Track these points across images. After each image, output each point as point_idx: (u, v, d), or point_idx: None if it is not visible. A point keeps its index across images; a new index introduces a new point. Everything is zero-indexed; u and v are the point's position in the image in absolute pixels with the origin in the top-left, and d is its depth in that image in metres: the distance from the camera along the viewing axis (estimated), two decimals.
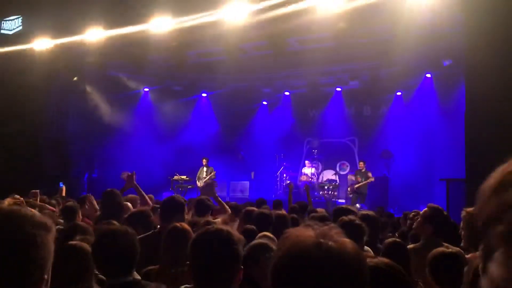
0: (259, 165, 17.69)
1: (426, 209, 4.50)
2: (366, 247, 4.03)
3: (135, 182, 5.96)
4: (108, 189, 5.20)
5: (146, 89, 17.12)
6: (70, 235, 3.19)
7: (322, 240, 1.22)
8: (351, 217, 4.04)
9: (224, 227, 2.40)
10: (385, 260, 2.04)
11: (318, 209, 8.30)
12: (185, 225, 3.42)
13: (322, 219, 4.88)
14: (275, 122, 18.58)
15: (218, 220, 5.27)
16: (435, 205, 4.57)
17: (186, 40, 12.12)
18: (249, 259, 2.93)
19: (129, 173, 5.93)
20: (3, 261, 1.37)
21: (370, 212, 5.05)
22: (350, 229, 3.47)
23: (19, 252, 1.39)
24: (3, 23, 12.52)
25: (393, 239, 4.21)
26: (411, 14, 10.10)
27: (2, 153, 12.64)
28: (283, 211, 7.57)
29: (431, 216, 4.35)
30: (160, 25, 11.06)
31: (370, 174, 14.08)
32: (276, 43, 11.92)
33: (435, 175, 14.74)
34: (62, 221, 5.41)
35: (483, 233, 0.99)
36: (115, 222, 4.16)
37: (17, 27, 12.48)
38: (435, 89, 15.03)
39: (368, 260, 1.56)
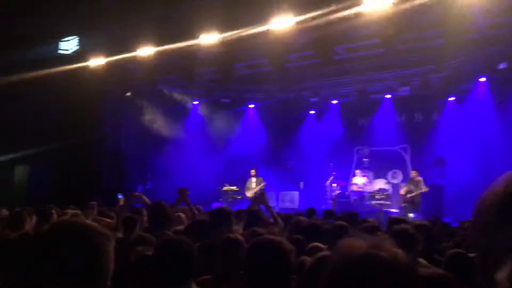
0: (308, 175, 17.60)
1: None
2: (420, 259, 3.94)
3: (187, 197, 6.05)
4: (156, 201, 5.29)
5: (196, 102, 17.51)
6: (133, 245, 3.32)
7: (373, 251, 1.22)
8: (404, 226, 3.97)
9: (276, 238, 2.44)
10: (440, 271, 2.02)
11: (370, 219, 8.18)
12: (238, 236, 3.48)
13: (373, 230, 4.81)
14: (324, 131, 18.44)
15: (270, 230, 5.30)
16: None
17: (233, 52, 12.33)
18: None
19: (183, 188, 6.04)
20: (73, 268, 1.50)
21: (424, 222, 4.92)
22: (403, 239, 3.41)
23: (87, 260, 1.52)
24: (61, 44, 13.19)
25: (456, 250, 4.06)
26: (463, 16, 9.84)
27: (62, 166, 13.29)
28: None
29: None
30: (208, 39, 11.33)
31: (423, 183, 13.70)
32: (323, 51, 11.91)
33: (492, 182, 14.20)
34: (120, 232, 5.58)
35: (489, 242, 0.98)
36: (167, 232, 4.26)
37: (74, 47, 13.14)
38: (490, 93, 14.49)
39: (421, 271, 1.55)
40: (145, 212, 6.44)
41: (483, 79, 14.36)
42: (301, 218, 6.01)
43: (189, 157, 16.09)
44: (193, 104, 17.54)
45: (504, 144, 13.12)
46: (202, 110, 17.58)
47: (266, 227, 5.76)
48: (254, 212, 5.51)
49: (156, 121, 15.88)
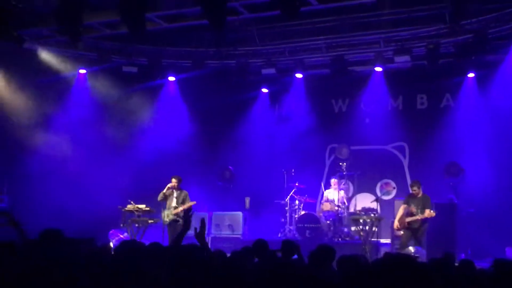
0: (257, 188, 17.49)
1: None
2: None
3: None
4: None
5: (83, 71, 16.96)
6: None
7: None
8: None
9: None
10: None
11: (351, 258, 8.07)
12: None
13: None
14: (281, 120, 18.35)
15: None
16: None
17: None
18: None
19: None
20: None
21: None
22: None
23: None
24: None
25: None
26: None
27: None
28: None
29: None
30: None
31: (428, 203, 13.82)
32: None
33: None
34: None
35: None
36: None
37: None
38: None
39: None
40: None
41: None
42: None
43: (71, 159, 15.64)
44: (79, 73, 16.97)
45: None
46: (93, 84, 17.04)
47: None
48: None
49: (17, 100, 15.34)
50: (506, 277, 5.12)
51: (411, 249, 13.33)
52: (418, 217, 13.64)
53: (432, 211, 13.54)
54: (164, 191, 14.36)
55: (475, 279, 5.55)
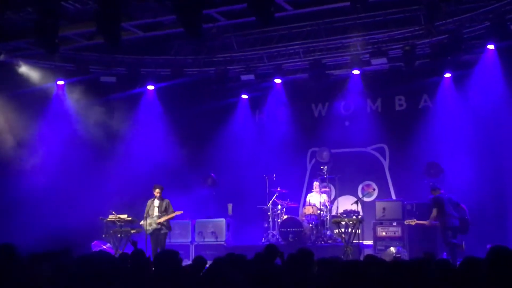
0: (240, 193, 17.51)
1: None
2: None
3: None
4: None
5: (61, 82, 16.87)
6: None
7: None
8: None
9: None
10: None
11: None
12: None
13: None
14: (262, 125, 18.37)
15: None
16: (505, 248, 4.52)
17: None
18: None
19: None
20: None
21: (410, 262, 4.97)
22: None
23: None
24: None
25: None
26: None
27: None
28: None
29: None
30: None
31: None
32: (259, 4, 11.76)
33: (508, 201, 14.64)
34: None
35: None
36: None
37: None
38: (502, 67, 15.03)
39: None
40: None
41: (491, 46, 14.84)
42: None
43: (51, 171, 15.53)
44: (57, 84, 16.86)
45: None
46: (72, 95, 16.95)
47: None
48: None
49: None
50: (503, 263, 5.17)
51: (392, 250, 13.46)
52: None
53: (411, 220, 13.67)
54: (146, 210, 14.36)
55: (449, 278, 5.61)
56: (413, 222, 14.12)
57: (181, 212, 14.53)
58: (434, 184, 14.33)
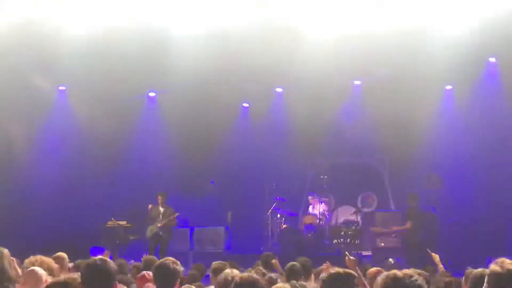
0: (239, 202, 17.49)
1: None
2: None
3: None
4: None
5: (62, 88, 16.90)
6: None
7: None
8: None
9: None
10: None
11: (325, 265, 8.10)
12: None
13: None
14: (262, 134, 18.38)
15: None
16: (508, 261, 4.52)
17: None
18: None
19: None
20: None
21: (413, 273, 4.92)
22: None
23: None
24: None
25: None
26: None
27: None
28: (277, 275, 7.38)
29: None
30: None
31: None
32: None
33: (508, 212, 14.66)
34: None
35: None
36: None
37: None
38: (501, 80, 15.10)
39: None
40: None
41: (493, 60, 14.89)
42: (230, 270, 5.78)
43: (52, 177, 15.61)
44: (59, 90, 16.91)
45: None
46: (73, 101, 16.99)
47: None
48: (165, 267, 5.24)
49: None
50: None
51: (391, 260, 13.44)
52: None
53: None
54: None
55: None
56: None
57: (177, 214, 14.60)
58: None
